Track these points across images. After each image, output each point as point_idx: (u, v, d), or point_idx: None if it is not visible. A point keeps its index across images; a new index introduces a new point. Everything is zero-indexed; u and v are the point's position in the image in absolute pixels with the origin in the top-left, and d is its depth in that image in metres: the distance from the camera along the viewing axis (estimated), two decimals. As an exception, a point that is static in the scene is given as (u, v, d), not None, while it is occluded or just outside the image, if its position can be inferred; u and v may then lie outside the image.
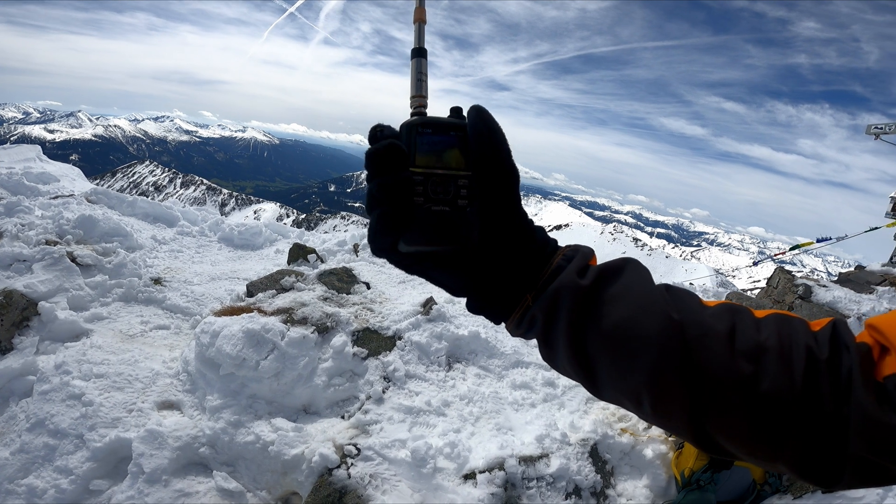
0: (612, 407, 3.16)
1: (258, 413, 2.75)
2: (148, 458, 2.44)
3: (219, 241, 5.63)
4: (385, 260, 0.54)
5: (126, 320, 3.81)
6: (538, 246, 0.55)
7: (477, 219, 0.51)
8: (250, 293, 3.88)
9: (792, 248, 6.41)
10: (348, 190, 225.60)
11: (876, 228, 6.10)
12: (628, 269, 0.53)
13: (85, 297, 3.86)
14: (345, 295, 3.69)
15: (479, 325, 3.59)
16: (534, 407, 3.14)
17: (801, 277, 6.01)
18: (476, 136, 0.51)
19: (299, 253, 4.33)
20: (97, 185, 7.53)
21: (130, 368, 3.03)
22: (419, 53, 0.54)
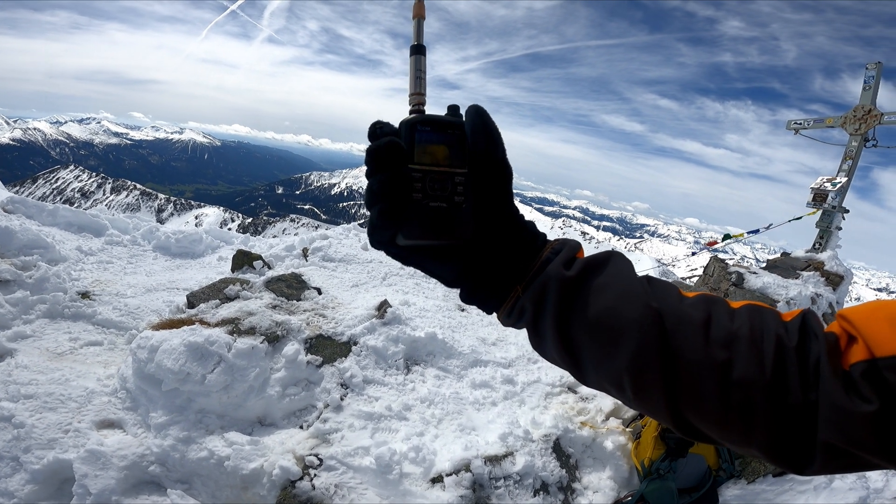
0: (571, 401, 3.22)
1: (209, 428, 2.62)
2: (93, 478, 2.29)
3: (154, 249, 5.24)
4: (384, 252, 0.56)
5: (53, 337, 3.49)
6: (528, 240, 0.57)
7: (472, 214, 0.53)
8: (191, 304, 3.63)
9: (724, 238, 6.82)
10: (297, 192, 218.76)
11: (799, 218, 6.58)
12: (612, 262, 0.56)
13: (6, 314, 3.50)
14: (295, 302, 3.53)
15: (436, 326, 3.55)
16: (495, 405, 3.13)
17: (733, 265, 6.41)
18: (474, 135, 0.53)
19: (244, 260, 4.10)
20: (15, 192, 6.82)
21: (62, 388, 2.81)
22: (418, 50, 0.54)
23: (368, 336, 3.28)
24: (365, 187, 0.52)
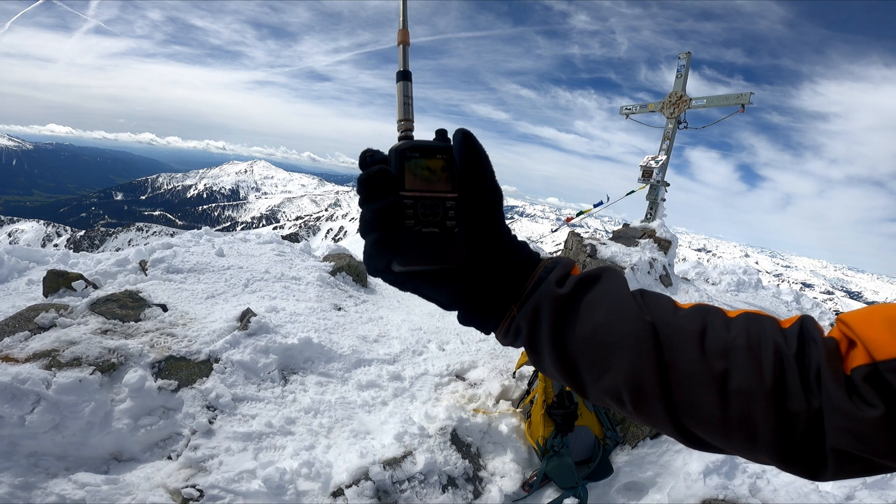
0: (461, 388, 3.21)
1: (50, 471, 2.24)
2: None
3: (-70, 279, 4.03)
4: (379, 278, 0.56)
5: None
6: (521, 260, 0.58)
7: (464, 238, 0.53)
8: (-11, 342, 2.85)
9: (578, 214, 7.53)
10: (142, 197, 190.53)
11: (632, 192, 7.50)
12: (604, 278, 0.56)
13: None
14: (133, 323, 2.96)
15: (311, 330, 3.27)
16: (385, 405, 2.99)
17: (588, 238, 7.12)
18: (462, 160, 0.54)
19: (59, 282, 3.33)
20: None
21: None
22: (404, 77, 0.55)
23: (232, 350, 2.89)
24: (359, 216, 0.52)
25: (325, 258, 5.17)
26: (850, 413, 0.42)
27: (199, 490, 2.21)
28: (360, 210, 0.51)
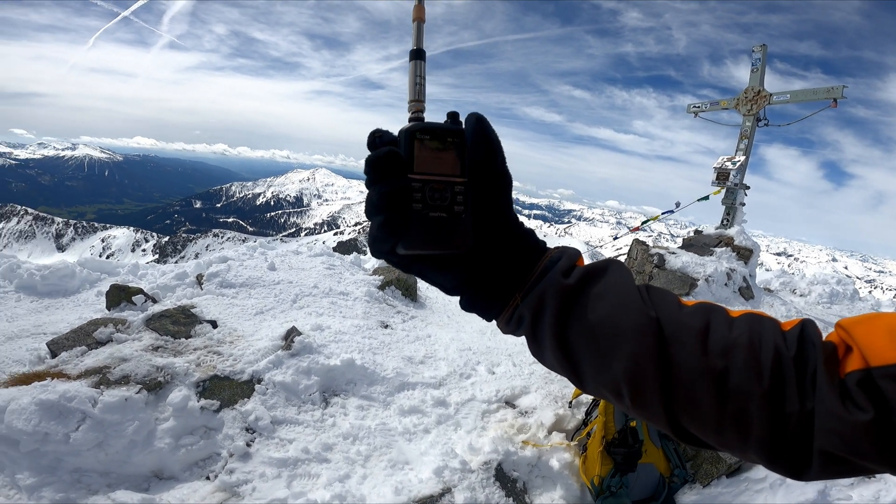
0: (510, 417, 2.98)
1: (92, 487, 2.30)
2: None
3: (17, 290, 4.37)
4: (385, 260, 0.55)
5: None
6: (528, 249, 0.57)
7: (471, 224, 0.52)
8: (54, 353, 3.00)
9: (644, 222, 7.02)
10: (218, 205, 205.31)
11: (706, 198, 6.89)
12: (611, 270, 0.56)
13: None
14: (183, 340, 3.00)
15: (355, 350, 3.17)
16: (428, 433, 2.82)
17: (653, 247, 6.60)
18: (474, 144, 0.53)
19: (120, 296, 3.47)
20: None
21: None
22: (418, 55, 0.53)
23: (274, 371, 2.84)
24: (365, 197, 0.51)
25: (375, 271, 5.11)
26: (841, 416, 0.43)
27: (230, 517, 2.16)
28: (367, 191, 0.50)
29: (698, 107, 7.65)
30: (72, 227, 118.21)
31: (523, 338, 0.59)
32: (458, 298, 0.59)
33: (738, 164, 6.95)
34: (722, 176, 7.02)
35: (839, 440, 0.43)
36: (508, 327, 0.59)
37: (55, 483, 2.22)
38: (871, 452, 0.42)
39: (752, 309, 0.54)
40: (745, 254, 6.43)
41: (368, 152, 0.51)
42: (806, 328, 0.50)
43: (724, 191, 7.01)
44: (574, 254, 0.58)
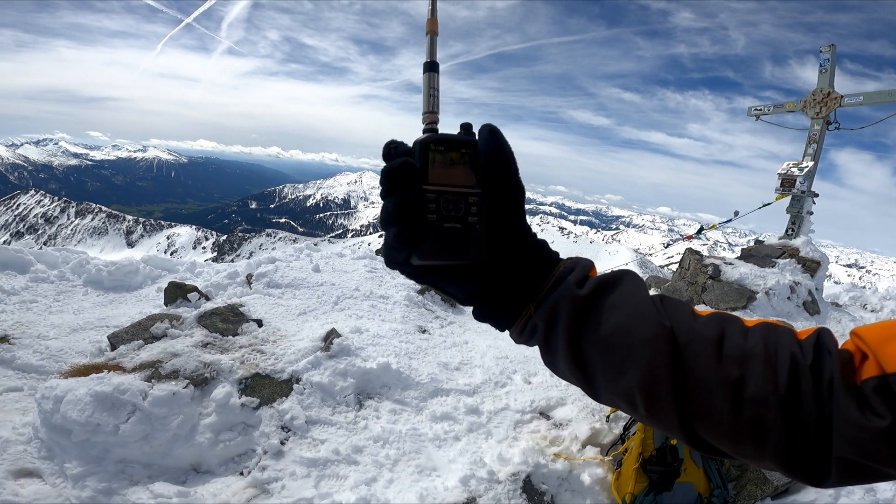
0: (543, 429, 2.90)
1: (134, 478, 2.39)
2: (5, 531, 2.06)
3: (84, 284, 4.74)
4: (397, 271, 0.56)
5: None
6: (541, 259, 0.58)
7: (485, 235, 0.53)
8: (114, 346, 3.22)
9: (699, 231, 6.68)
10: (271, 206, 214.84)
11: (768, 204, 6.47)
12: (625, 281, 0.56)
13: None
14: (230, 337, 3.13)
15: (391, 355, 3.20)
16: (458, 440, 2.80)
17: (708, 257, 6.24)
18: (487, 155, 0.54)
19: (177, 292, 3.68)
20: None
21: None
22: (431, 68, 0.54)
23: (313, 372, 2.91)
24: (380, 208, 0.52)
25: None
26: (859, 423, 0.43)
27: (256, 513, 2.22)
28: (382, 202, 0.51)
29: (760, 109, 7.22)
30: (141, 225, 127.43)
31: (536, 347, 0.60)
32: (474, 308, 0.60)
33: (806, 170, 6.48)
34: (787, 182, 6.57)
35: (858, 447, 0.44)
36: (521, 337, 0.59)
37: (100, 473, 2.35)
38: (890, 458, 0.43)
39: (766, 319, 0.54)
40: (812, 266, 5.97)
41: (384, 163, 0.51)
42: (822, 336, 0.50)
43: (789, 198, 6.56)
44: (587, 264, 0.59)
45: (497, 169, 0.54)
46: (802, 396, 0.46)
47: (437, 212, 0.50)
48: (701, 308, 0.57)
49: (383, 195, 0.51)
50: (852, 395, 0.45)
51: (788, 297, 5.37)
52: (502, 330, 0.60)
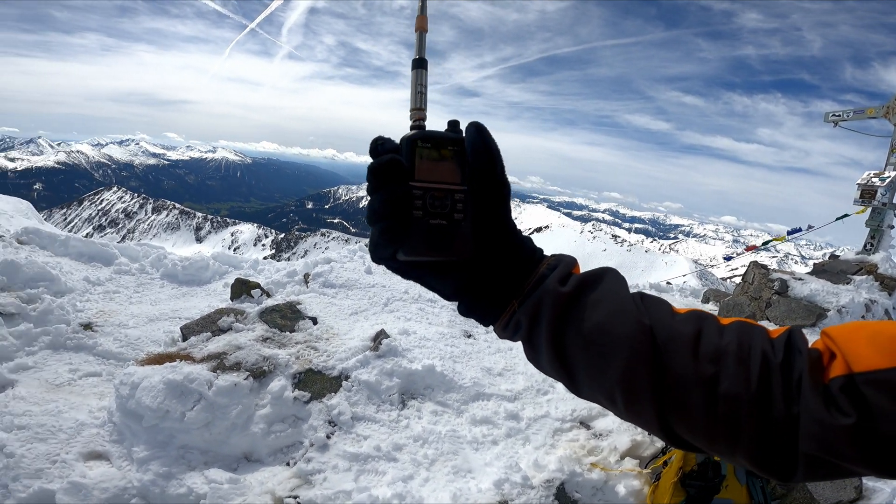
0: (582, 438, 2.89)
1: (191, 464, 2.58)
2: (73, 510, 2.27)
3: (161, 277, 5.21)
4: (385, 267, 0.57)
5: (53, 369, 3.51)
6: (525, 256, 0.59)
7: (471, 231, 0.54)
8: (185, 336, 3.53)
9: (764, 243, 6.32)
10: (326, 206, 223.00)
11: (845, 216, 6.03)
12: (607, 279, 0.57)
13: (9, 347, 3.56)
14: (288, 333, 3.36)
15: (436, 357, 3.29)
16: (496, 444, 2.85)
17: (775, 271, 5.88)
18: (474, 152, 0.54)
19: (242, 289, 3.98)
20: (64, 214, 7.03)
21: (53, 419, 2.82)
22: (419, 64, 0.55)
23: (361, 370, 3.07)
24: (367, 204, 0.53)
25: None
26: (825, 421, 0.44)
27: (298, 502, 2.38)
28: (369, 198, 0.51)
29: (838, 115, 6.74)
30: (209, 222, 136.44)
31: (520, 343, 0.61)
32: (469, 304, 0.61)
33: (888, 180, 5.98)
34: (867, 194, 6.09)
35: (823, 444, 0.44)
36: (505, 333, 0.60)
37: (163, 457, 2.53)
38: (853, 455, 0.44)
39: (742, 318, 0.55)
40: (890, 284, 5.49)
41: (371, 159, 0.52)
42: (793, 335, 0.51)
43: (869, 210, 6.07)
44: (571, 262, 0.60)
45: (484, 166, 0.54)
46: (772, 394, 0.47)
47: (424, 208, 0.51)
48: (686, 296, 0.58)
49: (370, 191, 0.52)
50: (819, 393, 0.45)
51: (863, 316, 4.98)
52: (487, 325, 0.61)
